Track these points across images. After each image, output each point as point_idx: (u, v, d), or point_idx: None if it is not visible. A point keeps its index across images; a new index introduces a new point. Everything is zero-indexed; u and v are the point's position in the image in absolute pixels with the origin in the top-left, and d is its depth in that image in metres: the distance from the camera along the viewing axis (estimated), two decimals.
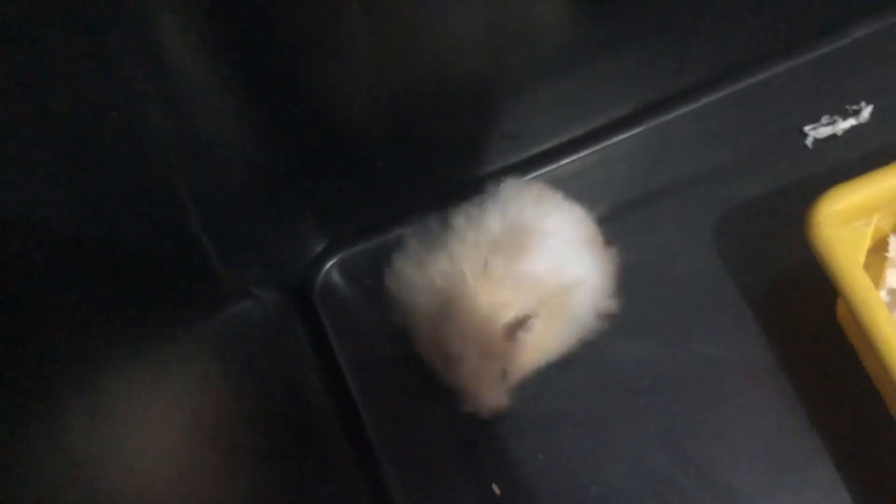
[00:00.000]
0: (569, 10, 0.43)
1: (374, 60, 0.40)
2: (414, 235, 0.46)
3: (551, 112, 0.49)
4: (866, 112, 0.50)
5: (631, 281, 0.45)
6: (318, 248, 0.51)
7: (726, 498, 0.43)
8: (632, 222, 0.49)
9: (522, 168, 0.51)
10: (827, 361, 0.45)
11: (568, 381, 0.44)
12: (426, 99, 0.44)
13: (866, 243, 0.41)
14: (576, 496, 0.44)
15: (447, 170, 0.50)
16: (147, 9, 0.31)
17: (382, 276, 0.47)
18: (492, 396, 0.41)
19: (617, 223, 0.47)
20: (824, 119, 0.50)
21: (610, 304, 0.44)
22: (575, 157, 0.51)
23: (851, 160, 0.49)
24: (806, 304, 0.46)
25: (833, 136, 0.50)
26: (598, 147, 0.51)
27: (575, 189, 0.47)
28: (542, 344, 0.42)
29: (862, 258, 0.40)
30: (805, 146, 0.50)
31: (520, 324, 0.39)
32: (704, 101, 0.52)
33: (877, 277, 0.44)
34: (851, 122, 0.50)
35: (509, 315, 0.40)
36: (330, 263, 0.51)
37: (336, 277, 0.50)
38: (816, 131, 0.50)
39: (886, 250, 0.44)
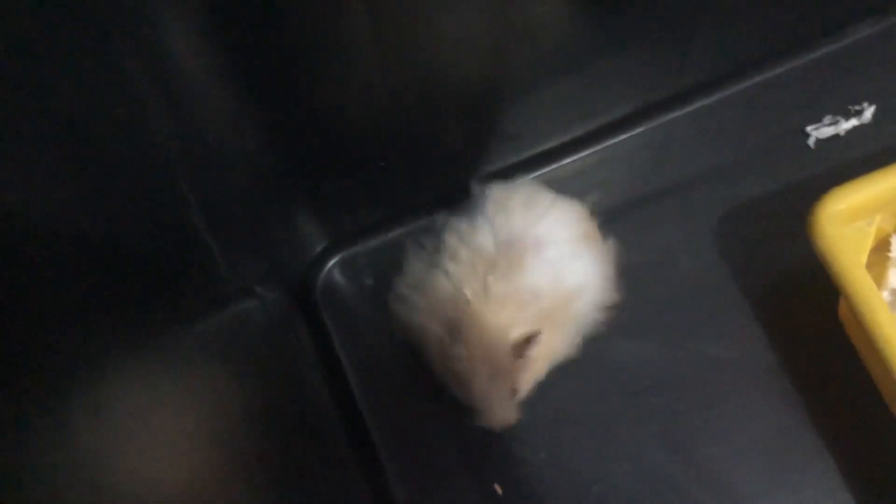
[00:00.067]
0: (570, 10, 0.43)
1: (376, 60, 0.40)
2: (413, 247, 0.45)
3: (552, 112, 0.49)
4: (868, 112, 0.50)
5: (632, 281, 0.45)
6: (320, 248, 0.51)
7: (727, 498, 0.43)
8: (633, 222, 0.49)
9: (523, 168, 0.51)
10: (828, 362, 0.45)
11: (569, 381, 0.44)
12: (427, 99, 0.44)
13: (868, 243, 0.41)
14: (577, 496, 0.44)
15: (448, 169, 0.50)
16: (149, 7, 0.31)
17: (384, 276, 0.47)
18: (502, 412, 0.41)
19: (618, 223, 0.47)
20: (826, 119, 0.50)
21: (611, 303, 0.44)
22: (576, 157, 0.51)
23: (854, 160, 0.49)
24: (807, 304, 0.46)
25: (835, 137, 0.50)
26: (599, 147, 0.51)
27: (576, 189, 0.47)
28: (549, 354, 0.42)
29: (864, 258, 0.40)
30: (807, 146, 0.50)
31: (527, 342, 0.39)
32: (706, 101, 0.52)
33: (879, 277, 0.44)
34: (854, 122, 0.50)
35: (515, 333, 0.40)
36: (332, 262, 0.51)
37: (338, 276, 0.50)
38: (819, 131, 0.50)
39: (889, 250, 0.44)
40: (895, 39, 0.52)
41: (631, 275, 0.45)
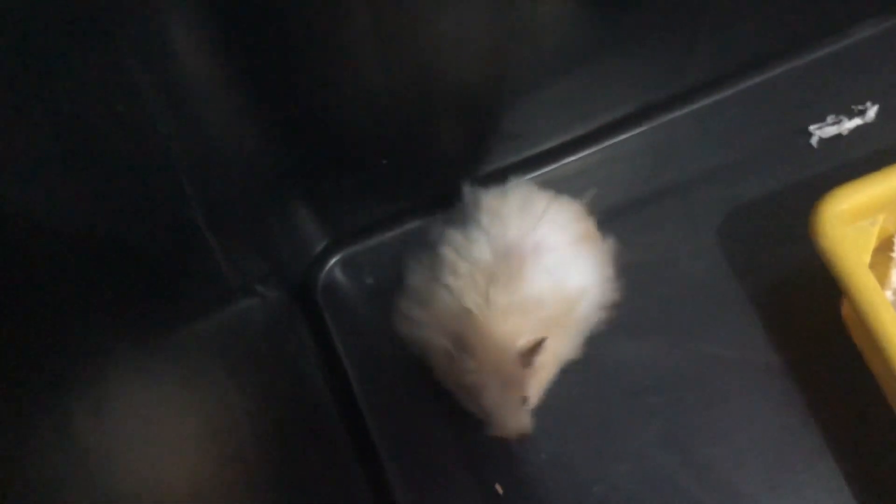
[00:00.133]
0: (572, 9, 0.43)
1: (377, 60, 0.40)
2: (412, 264, 0.45)
3: (553, 111, 0.49)
4: (872, 112, 0.50)
5: (634, 281, 0.45)
6: (321, 246, 0.51)
7: (728, 498, 0.43)
8: (635, 222, 0.49)
9: (524, 167, 0.51)
10: (831, 362, 0.45)
11: (570, 381, 0.44)
12: (428, 98, 0.44)
13: (872, 243, 0.41)
14: (578, 496, 0.44)
15: (449, 168, 0.50)
16: (151, 5, 0.31)
17: (385, 275, 0.47)
18: (515, 421, 0.40)
19: (620, 223, 0.47)
20: (830, 119, 0.50)
21: (612, 302, 0.44)
22: (578, 156, 0.51)
23: (857, 160, 0.49)
24: (810, 304, 0.46)
25: (838, 136, 0.50)
26: (601, 146, 0.51)
27: (578, 188, 0.47)
28: (556, 359, 0.42)
29: (867, 258, 0.40)
30: (810, 146, 0.50)
31: (534, 349, 0.39)
32: (709, 100, 0.51)
33: (882, 277, 0.44)
34: (857, 121, 0.50)
35: (521, 342, 0.39)
36: (333, 261, 0.50)
37: (339, 275, 0.50)
38: (822, 131, 0.50)
39: (892, 250, 0.44)
40: None
41: (632, 274, 0.45)
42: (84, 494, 0.25)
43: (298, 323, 0.49)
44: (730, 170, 0.50)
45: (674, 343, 0.46)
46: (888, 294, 0.43)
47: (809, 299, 0.46)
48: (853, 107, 0.50)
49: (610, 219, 0.47)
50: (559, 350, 0.42)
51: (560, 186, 0.47)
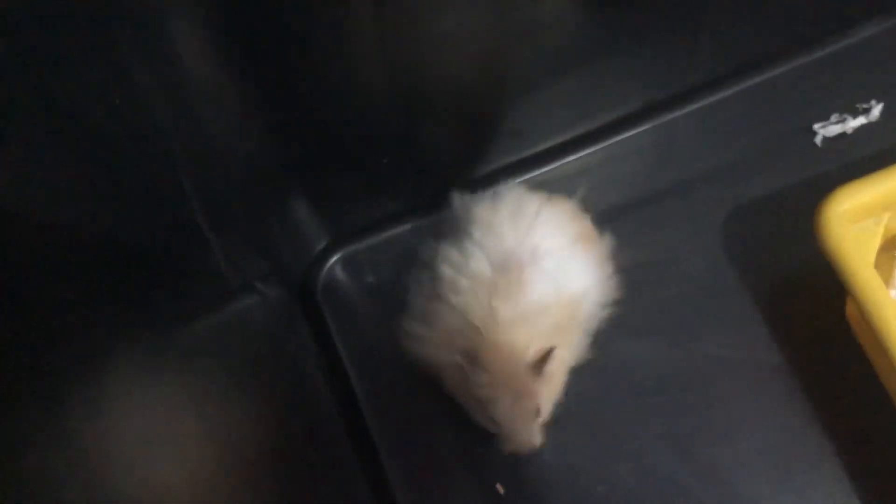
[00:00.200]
0: (575, 7, 0.43)
1: (379, 58, 0.40)
2: (412, 284, 0.44)
3: (555, 110, 0.49)
4: (876, 110, 0.50)
5: (636, 281, 0.45)
6: (322, 245, 0.51)
7: (731, 498, 0.43)
8: (638, 221, 0.49)
9: (525, 166, 0.51)
10: (835, 361, 0.45)
11: (573, 380, 0.44)
12: (431, 96, 0.44)
13: (876, 242, 0.41)
14: (580, 496, 0.44)
15: (451, 167, 0.50)
16: (152, 3, 0.31)
17: (385, 274, 0.47)
18: (528, 434, 0.40)
19: (623, 221, 0.47)
20: (834, 117, 0.50)
21: (613, 300, 0.44)
22: (581, 154, 0.51)
23: (861, 158, 0.48)
24: (814, 304, 0.45)
25: (843, 135, 0.50)
26: (604, 145, 0.51)
27: (580, 187, 0.47)
28: (565, 366, 0.42)
29: (872, 257, 0.40)
30: (814, 144, 0.50)
31: (545, 359, 0.39)
32: (712, 98, 0.51)
33: (887, 276, 0.43)
34: (861, 120, 0.50)
35: (530, 352, 0.39)
36: (333, 260, 0.50)
37: (339, 274, 0.50)
38: (826, 129, 0.50)
39: None
40: None
41: (634, 274, 0.45)
42: (83, 494, 0.25)
43: (299, 321, 0.49)
44: (732, 169, 0.50)
45: (676, 343, 0.46)
46: (893, 293, 0.43)
47: (813, 299, 0.45)
48: (858, 105, 0.50)
49: (611, 218, 0.46)
50: (566, 356, 0.42)
51: (561, 185, 0.47)
